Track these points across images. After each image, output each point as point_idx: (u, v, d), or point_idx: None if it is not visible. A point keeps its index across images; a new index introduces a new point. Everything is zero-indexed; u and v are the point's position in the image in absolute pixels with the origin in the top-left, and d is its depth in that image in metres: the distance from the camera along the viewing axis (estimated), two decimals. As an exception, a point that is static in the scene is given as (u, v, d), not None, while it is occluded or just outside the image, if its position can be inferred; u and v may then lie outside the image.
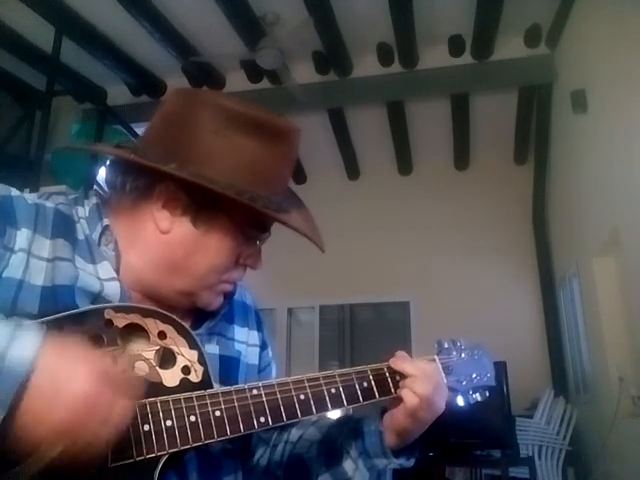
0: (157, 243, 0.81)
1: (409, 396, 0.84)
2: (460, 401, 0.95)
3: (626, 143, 3.44)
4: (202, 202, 0.80)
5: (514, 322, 5.60)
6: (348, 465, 0.89)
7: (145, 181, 0.81)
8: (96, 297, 0.75)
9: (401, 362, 0.89)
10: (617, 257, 3.88)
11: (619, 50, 3.52)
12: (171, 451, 0.68)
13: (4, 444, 0.55)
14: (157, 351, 0.73)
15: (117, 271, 0.79)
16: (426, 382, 0.85)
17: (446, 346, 0.99)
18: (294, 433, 0.97)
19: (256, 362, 0.99)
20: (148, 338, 0.73)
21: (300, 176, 6.53)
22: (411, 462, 0.90)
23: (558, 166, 5.38)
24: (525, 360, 5.01)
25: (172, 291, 0.83)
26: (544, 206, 5.81)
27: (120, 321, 0.72)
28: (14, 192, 0.76)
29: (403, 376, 0.88)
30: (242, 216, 0.81)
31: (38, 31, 4.81)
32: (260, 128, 0.80)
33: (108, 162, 0.88)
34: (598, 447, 4.09)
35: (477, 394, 0.96)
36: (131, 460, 0.66)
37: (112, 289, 0.77)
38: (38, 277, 0.72)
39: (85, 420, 0.57)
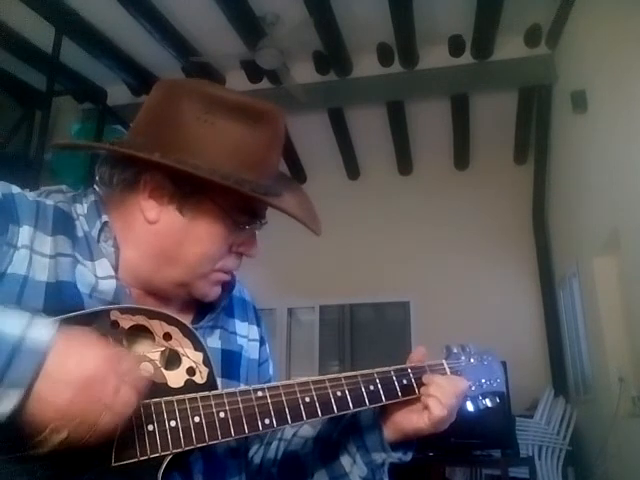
0: (147, 234, 0.81)
1: (438, 408, 0.85)
2: (470, 406, 0.94)
3: (626, 143, 3.44)
4: (188, 189, 0.79)
5: (514, 322, 5.60)
6: (345, 460, 0.89)
7: (131, 172, 0.81)
8: (90, 294, 0.76)
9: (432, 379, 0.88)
10: (617, 257, 3.88)
11: (619, 50, 3.52)
12: (175, 451, 0.68)
13: (16, 427, 0.57)
14: (162, 352, 0.73)
15: (117, 268, 0.80)
16: (455, 395, 0.86)
17: (455, 351, 0.98)
18: (288, 431, 0.97)
19: (256, 357, 0.99)
20: (153, 339, 0.73)
21: (300, 176, 6.53)
22: (409, 456, 0.89)
23: (558, 166, 5.38)
24: (525, 360, 5.02)
25: (167, 283, 0.83)
26: (544, 206, 5.81)
27: (126, 322, 0.72)
28: (15, 189, 0.77)
29: (411, 380, 0.87)
30: (229, 201, 0.80)
31: (38, 31, 4.81)
32: (242, 112, 0.80)
33: (100, 157, 0.88)
34: (598, 447, 4.09)
35: (487, 399, 0.95)
36: (135, 459, 0.66)
37: (107, 286, 0.77)
38: (42, 273, 0.73)
39: (87, 402, 0.58)
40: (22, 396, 0.55)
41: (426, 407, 0.86)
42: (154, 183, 0.80)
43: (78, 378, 0.58)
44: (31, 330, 0.57)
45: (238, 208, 0.82)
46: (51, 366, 0.57)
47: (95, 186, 0.87)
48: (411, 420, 0.86)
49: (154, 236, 0.81)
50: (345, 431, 0.91)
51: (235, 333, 0.95)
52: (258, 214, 0.85)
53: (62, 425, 0.58)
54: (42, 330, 0.58)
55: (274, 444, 0.97)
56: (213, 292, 0.87)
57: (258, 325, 1.02)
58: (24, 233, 0.73)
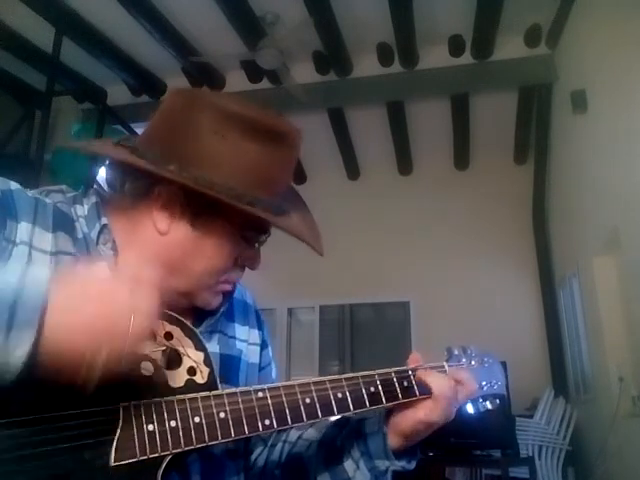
0: (155, 244, 0.81)
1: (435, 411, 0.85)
2: (470, 409, 0.94)
3: (626, 143, 3.44)
4: (201, 205, 0.79)
5: (514, 322, 5.60)
6: (349, 465, 0.89)
7: (144, 182, 0.80)
8: None
9: (429, 376, 0.88)
10: (617, 257, 3.88)
11: (619, 50, 3.52)
12: (174, 451, 0.68)
13: (44, 370, 0.55)
14: (163, 352, 0.73)
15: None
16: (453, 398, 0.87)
17: (456, 353, 0.98)
18: (293, 433, 0.97)
19: (257, 361, 0.99)
20: (154, 339, 0.73)
21: (300, 176, 6.53)
22: (412, 465, 0.89)
23: (558, 166, 5.38)
24: (525, 360, 5.02)
25: (170, 291, 0.82)
26: (544, 206, 5.81)
27: None
28: (14, 185, 0.76)
29: (411, 382, 0.87)
30: (241, 219, 0.80)
31: (38, 31, 4.81)
32: (261, 130, 0.79)
33: (108, 161, 0.87)
34: (598, 447, 4.09)
35: (487, 402, 0.95)
36: (134, 459, 0.66)
37: None
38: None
39: (111, 310, 0.57)
40: (35, 334, 0.53)
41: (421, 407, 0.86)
42: (168, 196, 0.79)
43: (92, 290, 0.58)
44: (29, 273, 0.56)
45: (248, 225, 0.82)
46: (60, 292, 0.56)
47: (97, 187, 0.86)
48: (407, 419, 0.86)
49: (162, 247, 0.81)
50: (349, 436, 0.91)
51: (234, 337, 0.95)
52: (266, 230, 0.86)
53: (98, 345, 0.56)
54: (40, 269, 0.58)
55: (278, 446, 0.97)
56: (215, 301, 0.87)
57: (260, 329, 1.02)
58: (22, 229, 0.73)
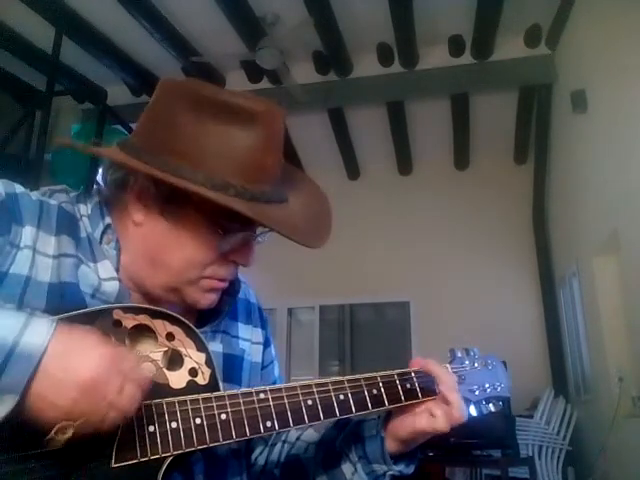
0: (135, 236, 0.80)
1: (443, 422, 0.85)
2: (473, 411, 0.93)
3: (626, 143, 3.44)
4: (170, 193, 0.77)
5: (514, 322, 5.61)
6: (347, 468, 0.89)
7: (121, 174, 0.81)
8: (93, 295, 0.75)
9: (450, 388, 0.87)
10: (617, 257, 3.88)
11: (619, 50, 3.53)
12: (175, 453, 0.68)
13: (21, 427, 0.58)
14: (165, 352, 0.73)
15: (118, 270, 0.79)
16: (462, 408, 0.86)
17: (459, 355, 0.97)
18: (292, 433, 0.97)
19: (259, 360, 0.98)
20: (156, 339, 0.73)
21: (300, 176, 6.52)
22: (411, 469, 0.89)
23: (558, 166, 5.38)
24: (525, 360, 5.02)
25: (155, 286, 0.81)
26: (544, 206, 5.81)
27: (129, 322, 0.71)
28: (18, 189, 0.76)
29: (414, 385, 0.87)
30: (212, 207, 0.75)
31: (38, 31, 4.81)
32: (234, 113, 0.76)
33: (92, 157, 0.88)
34: (598, 447, 4.09)
35: (490, 404, 0.94)
36: (135, 461, 0.65)
37: (110, 288, 0.77)
38: (44, 274, 0.73)
39: (92, 402, 0.59)
40: (17, 401, 0.55)
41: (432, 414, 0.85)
42: (139, 186, 0.79)
43: (82, 378, 0.58)
44: (26, 332, 0.57)
45: (224, 215, 0.76)
46: (52, 367, 0.57)
47: (97, 186, 0.86)
48: (406, 426, 0.85)
49: (140, 238, 0.80)
50: (348, 439, 0.90)
51: (237, 337, 0.94)
52: (252, 221, 0.78)
53: (68, 424, 0.59)
54: (38, 331, 0.58)
55: (278, 446, 0.97)
56: (205, 299, 0.83)
57: (263, 327, 1.01)
58: (27, 233, 0.73)
